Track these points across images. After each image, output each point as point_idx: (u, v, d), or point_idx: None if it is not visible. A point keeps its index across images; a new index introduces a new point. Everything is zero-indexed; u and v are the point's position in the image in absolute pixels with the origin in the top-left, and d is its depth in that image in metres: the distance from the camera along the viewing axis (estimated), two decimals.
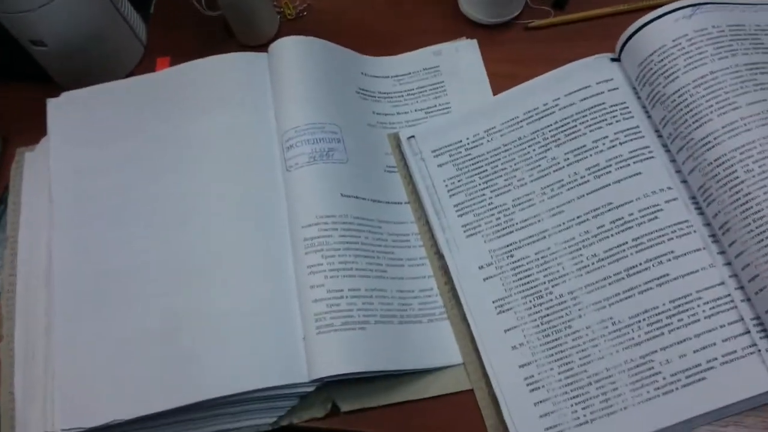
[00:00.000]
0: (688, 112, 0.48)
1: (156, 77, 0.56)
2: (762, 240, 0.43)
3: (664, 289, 0.46)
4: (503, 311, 0.48)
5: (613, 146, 0.50)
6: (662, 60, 0.49)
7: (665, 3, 0.51)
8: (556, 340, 0.46)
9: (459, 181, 0.52)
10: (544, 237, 0.49)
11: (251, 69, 0.55)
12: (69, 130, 0.54)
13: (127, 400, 0.44)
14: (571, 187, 0.50)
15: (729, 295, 0.45)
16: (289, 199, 0.50)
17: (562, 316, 0.47)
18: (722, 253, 0.46)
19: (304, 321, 0.46)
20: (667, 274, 0.46)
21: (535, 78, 0.54)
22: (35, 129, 0.56)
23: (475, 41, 0.59)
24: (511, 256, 0.49)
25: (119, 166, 0.53)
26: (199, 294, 0.47)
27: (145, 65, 0.62)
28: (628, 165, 0.49)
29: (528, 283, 0.48)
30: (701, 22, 0.50)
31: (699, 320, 0.45)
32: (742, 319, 0.44)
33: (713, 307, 0.45)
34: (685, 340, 0.45)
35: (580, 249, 0.48)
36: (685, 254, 0.46)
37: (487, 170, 0.52)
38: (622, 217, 0.48)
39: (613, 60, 0.53)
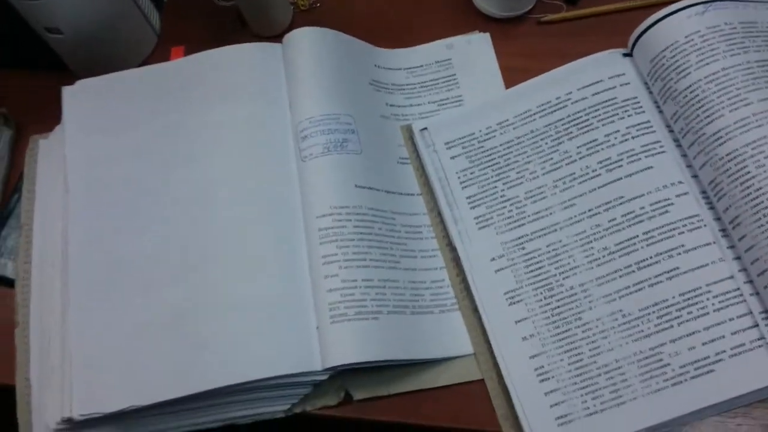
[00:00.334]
0: (699, 107, 0.48)
1: (171, 66, 0.56)
2: None
3: (674, 282, 0.46)
4: (514, 303, 0.49)
5: (625, 140, 0.51)
6: (674, 56, 0.50)
7: None
8: (566, 331, 0.47)
9: (471, 173, 0.53)
10: (556, 230, 0.50)
11: (266, 59, 0.55)
12: (84, 118, 0.54)
13: (143, 387, 0.45)
14: (583, 181, 0.51)
15: (738, 288, 0.46)
16: (303, 190, 0.50)
17: (573, 308, 0.48)
18: (732, 247, 0.47)
19: (318, 310, 0.47)
20: (677, 268, 0.47)
21: (547, 72, 0.54)
22: (49, 117, 0.57)
23: (487, 35, 0.59)
24: (523, 248, 0.50)
25: (133, 154, 0.53)
26: (214, 282, 0.48)
27: (158, 54, 0.62)
28: (640, 159, 0.50)
29: (539, 275, 0.49)
30: (714, 18, 0.50)
31: (708, 313, 0.45)
32: (751, 312, 0.45)
33: (722, 301, 0.46)
34: (694, 333, 0.45)
35: (591, 242, 0.49)
36: (695, 248, 0.47)
37: (499, 163, 0.53)
38: (633, 211, 0.49)
39: (625, 55, 0.54)
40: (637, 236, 0.48)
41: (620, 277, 0.47)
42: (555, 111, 0.53)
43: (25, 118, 0.61)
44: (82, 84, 0.56)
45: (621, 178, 0.50)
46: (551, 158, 0.52)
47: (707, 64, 0.48)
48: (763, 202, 0.44)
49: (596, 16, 0.59)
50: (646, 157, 0.50)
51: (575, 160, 0.51)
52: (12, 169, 0.59)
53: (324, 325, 0.46)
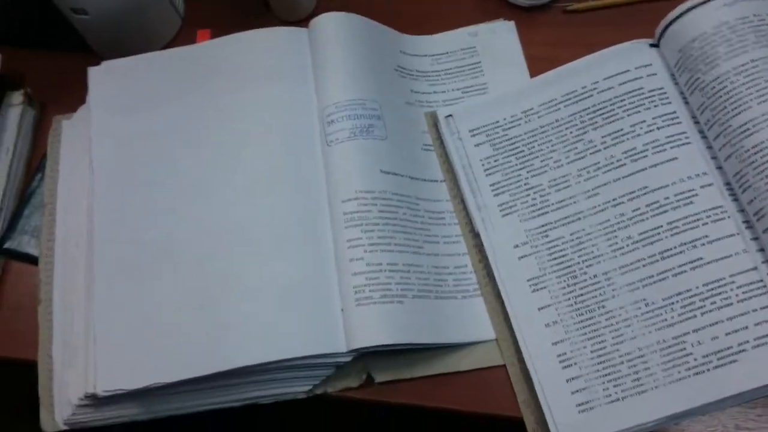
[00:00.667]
0: (727, 99, 0.48)
1: (197, 49, 0.56)
2: None
3: (697, 273, 0.47)
4: (537, 289, 0.49)
5: (650, 131, 0.51)
6: (702, 47, 0.50)
7: None
8: (589, 318, 0.47)
9: (495, 161, 0.53)
10: (579, 218, 0.50)
11: (292, 43, 0.55)
12: (109, 98, 0.55)
13: (167, 365, 0.45)
14: (608, 170, 0.51)
15: (761, 280, 0.46)
16: (328, 174, 0.51)
17: (596, 296, 0.48)
18: (756, 239, 0.47)
19: (343, 293, 0.47)
20: (701, 258, 0.47)
21: (573, 61, 0.54)
22: (72, 97, 0.57)
23: (512, 23, 0.59)
24: (547, 236, 0.50)
25: (158, 136, 0.53)
26: (240, 263, 0.48)
27: (181, 37, 0.62)
28: (665, 150, 0.50)
29: (563, 262, 0.49)
30: (743, 9, 0.50)
31: (732, 304, 0.46)
32: None
33: (746, 292, 0.46)
34: (717, 323, 0.45)
35: (615, 231, 0.49)
36: (719, 239, 0.47)
37: (523, 151, 0.53)
38: (658, 201, 0.49)
39: (651, 45, 0.54)
40: (661, 226, 0.48)
41: (644, 266, 0.48)
42: (580, 100, 0.53)
43: (49, 99, 0.61)
44: (108, 65, 0.56)
45: (645, 169, 0.50)
46: (576, 147, 0.52)
47: (736, 55, 0.48)
48: None
49: (622, 6, 0.59)
50: (671, 148, 0.50)
51: (600, 150, 0.51)
52: (35, 149, 0.60)
53: (349, 308, 0.46)
